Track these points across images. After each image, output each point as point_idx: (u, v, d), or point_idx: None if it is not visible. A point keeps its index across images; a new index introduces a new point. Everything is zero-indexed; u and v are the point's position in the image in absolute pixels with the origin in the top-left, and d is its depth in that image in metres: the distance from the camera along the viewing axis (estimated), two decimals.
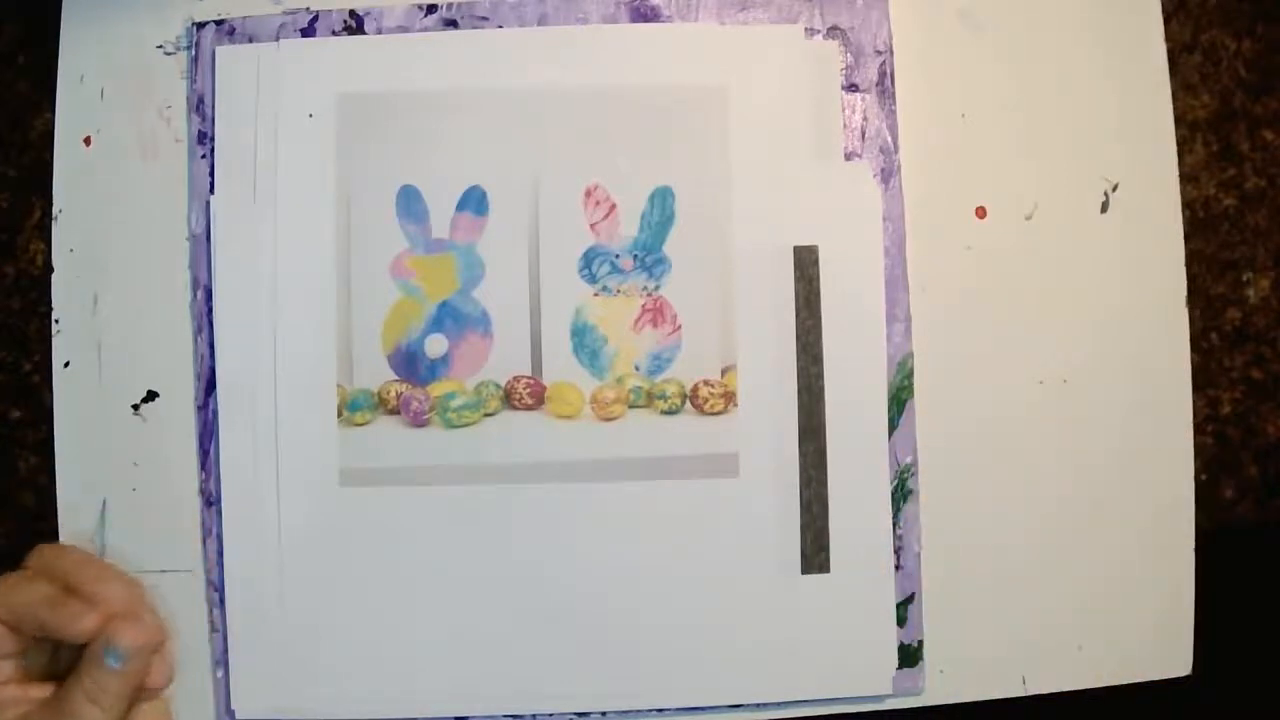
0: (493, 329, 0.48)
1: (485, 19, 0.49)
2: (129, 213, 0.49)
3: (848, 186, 0.48)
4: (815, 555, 0.47)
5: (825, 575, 0.47)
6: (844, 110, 0.49)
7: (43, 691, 0.40)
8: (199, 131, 0.49)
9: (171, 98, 0.49)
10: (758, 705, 0.48)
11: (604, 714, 0.48)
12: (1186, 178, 0.50)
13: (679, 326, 0.48)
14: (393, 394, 0.48)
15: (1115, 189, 0.49)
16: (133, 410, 0.48)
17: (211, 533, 0.48)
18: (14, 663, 0.40)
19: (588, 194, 0.48)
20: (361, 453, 0.48)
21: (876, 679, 0.47)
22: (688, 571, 0.47)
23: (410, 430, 0.48)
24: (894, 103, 0.49)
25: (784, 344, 0.48)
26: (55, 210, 0.49)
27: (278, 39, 0.48)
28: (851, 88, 0.49)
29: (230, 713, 0.47)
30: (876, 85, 0.49)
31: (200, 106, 0.49)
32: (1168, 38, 0.50)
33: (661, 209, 0.48)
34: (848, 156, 0.49)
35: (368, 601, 0.47)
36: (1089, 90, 0.49)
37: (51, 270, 0.49)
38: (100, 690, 0.38)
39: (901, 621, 0.48)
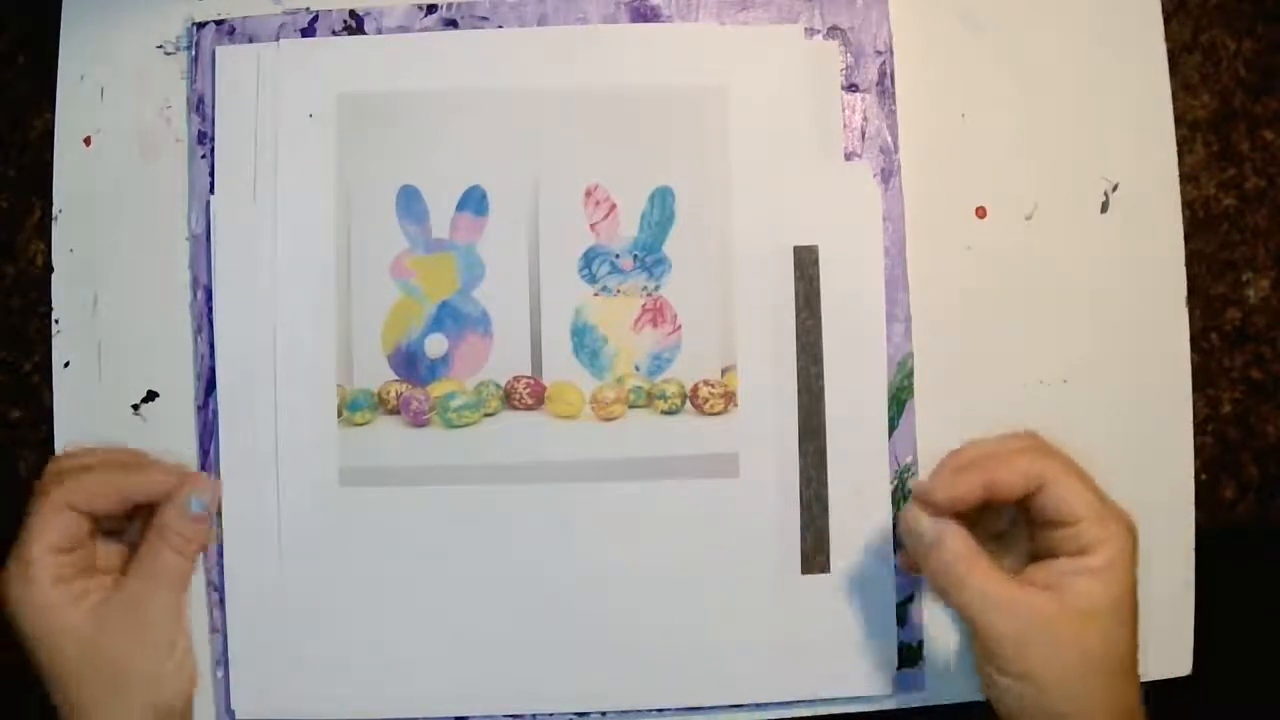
0: (493, 329, 0.48)
1: (485, 19, 0.49)
2: (129, 213, 0.49)
3: (848, 186, 0.48)
4: (815, 555, 0.47)
5: (825, 575, 0.47)
6: (844, 110, 0.49)
7: (108, 577, 0.42)
8: (199, 131, 0.49)
9: (171, 98, 0.49)
10: (757, 705, 0.48)
11: (604, 714, 0.48)
12: (1186, 178, 0.50)
13: (679, 326, 0.48)
14: (393, 394, 0.48)
15: (1115, 189, 0.49)
16: (133, 410, 0.48)
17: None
18: (79, 554, 0.41)
19: (588, 194, 0.48)
20: (361, 452, 0.48)
21: (876, 679, 0.47)
22: (688, 571, 0.47)
23: (410, 430, 0.48)
24: (894, 103, 0.49)
25: (784, 344, 0.48)
26: (55, 210, 0.49)
27: (278, 39, 0.48)
28: (851, 88, 0.49)
29: (230, 713, 0.47)
30: (876, 85, 0.49)
31: (200, 106, 0.49)
32: (1168, 38, 0.50)
33: (661, 209, 0.48)
34: (848, 156, 0.49)
35: (368, 601, 0.47)
36: (1089, 90, 0.49)
37: (51, 270, 0.49)
38: (185, 541, 0.41)
39: (901, 621, 0.48)
